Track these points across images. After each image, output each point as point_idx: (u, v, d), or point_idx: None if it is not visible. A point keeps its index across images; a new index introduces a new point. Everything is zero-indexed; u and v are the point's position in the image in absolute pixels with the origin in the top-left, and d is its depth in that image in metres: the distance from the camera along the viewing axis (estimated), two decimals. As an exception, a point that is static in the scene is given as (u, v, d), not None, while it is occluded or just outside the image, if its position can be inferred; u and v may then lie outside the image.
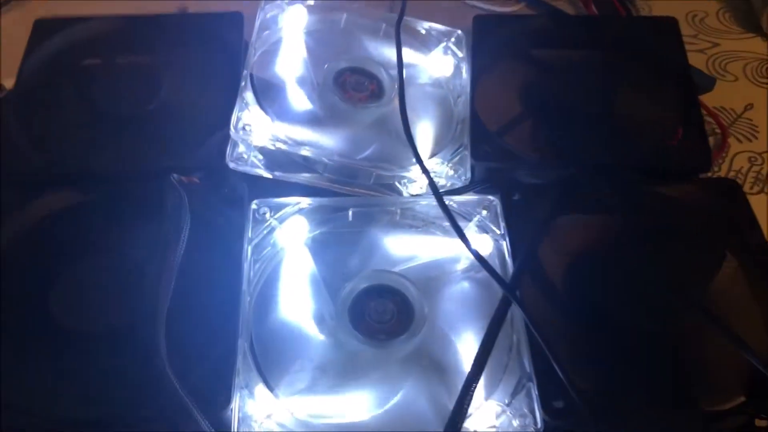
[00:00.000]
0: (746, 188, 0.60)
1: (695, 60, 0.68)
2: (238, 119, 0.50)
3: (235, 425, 0.40)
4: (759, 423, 0.43)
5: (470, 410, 0.40)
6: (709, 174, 0.58)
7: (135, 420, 0.40)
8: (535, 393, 0.42)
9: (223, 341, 0.43)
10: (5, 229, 0.47)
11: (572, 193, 0.50)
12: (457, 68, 0.59)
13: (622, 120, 0.55)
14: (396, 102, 0.53)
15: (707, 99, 0.64)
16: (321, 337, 0.45)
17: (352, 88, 0.54)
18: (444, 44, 0.60)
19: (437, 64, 0.59)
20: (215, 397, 0.40)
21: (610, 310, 0.46)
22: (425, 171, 0.48)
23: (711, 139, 0.63)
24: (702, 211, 0.50)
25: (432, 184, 0.48)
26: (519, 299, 0.43)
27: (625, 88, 0.57)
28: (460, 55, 0.60)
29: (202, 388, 0.40)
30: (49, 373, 0.42)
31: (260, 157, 0.51)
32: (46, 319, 0.43)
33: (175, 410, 0.38)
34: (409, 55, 0.59)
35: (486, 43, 0.60)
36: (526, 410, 0.41)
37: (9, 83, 0.60)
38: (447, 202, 0.48)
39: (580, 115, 0.55)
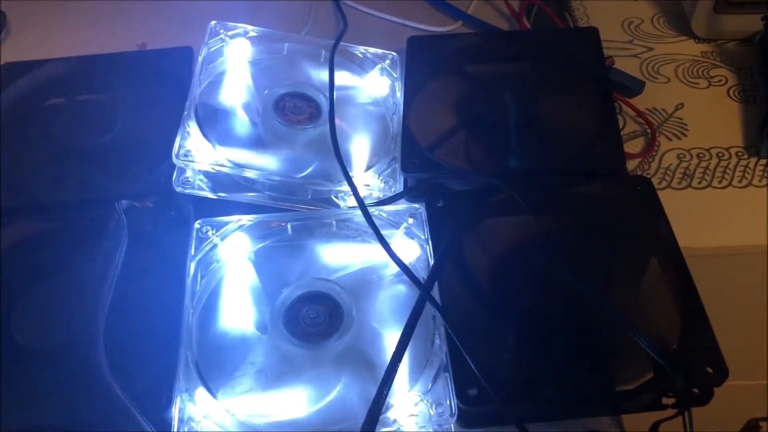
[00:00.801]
0: (674, 184, 0.63)
1: (630, 64, 0.72)
2: (180, 147, 0.54)
3: (175, 425, 0.43)
4: (666, 401, 0.47)
5: (393, 401, 0.44)
6: (639, 173, 0.63)
7: (81, 425, 0.44)
8: (450, 382, 0.45)
9: (167, 352, 0.46)
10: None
11: (489, 198, 0.54)
12: (392, 88, 0.63)
13: (544, 128, 0.59)
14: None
15: (639, 101, 0.68)
16: (262, 343, 0.48)
17: (291, 111, 0.59)
18: (380, 66, 0.64)
19: (374, 84, 0.64)
20: (157, 401, 0.44)
21: (524, 303, 0.49)
22: (351, 184, 0.52)
23: (641, 140, 0.67)
24: (615, 207, 0.54)
25: (357, 196, 0.52)
26: (431, 297, 0.46)
27: (548, 97, 0.61)
28: (395, 75, 0.64)
29: (144, 394, 0.43)
30: (11, 387, 0.46)
31: (205, 180, 0.56)
32: (10, 340, 0.47)
33: (119, 414, 0.42)
34: (347, 77, 0.63)
35: (418, 61, 0.64)
36: (442, 399, 0.45)
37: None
38: (378, 212, 0.53)
39: (504, 125, 0.59)
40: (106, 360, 0.43)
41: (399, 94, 0.63)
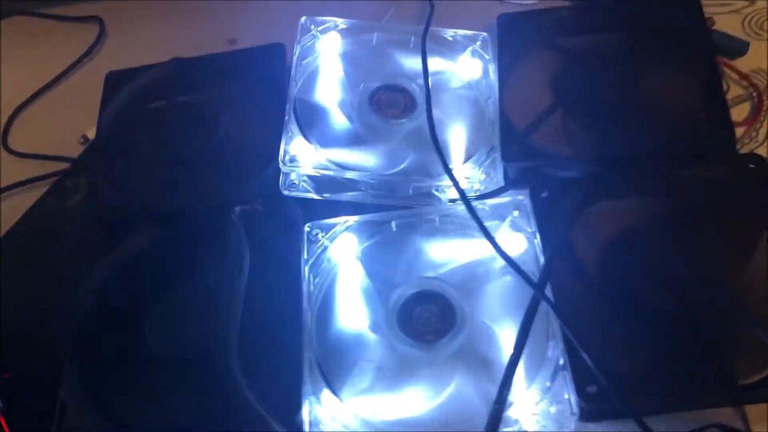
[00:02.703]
0: (788, 150, 0.60)
1: (730, 22, 0.67)
2: (285, 152, 0.55)
3: (306, 429, 0.46)
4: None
5: (511, 399, 0.45)
6: (746, 142, 0.59)
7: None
8: (569, 380, 0.46)
9: (291, 355, 0.49)
10: (100, 271, 0.56)
11: (598, 187, 0.53)
12: (485, 70, 0.62)
13: (646, 106, 0.57)
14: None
15: (743, 63, 0.64)
16: (377, 342, 0.50)
17: (386, 105, 0.59)
18: (471, 48, 0.63)
19: (466, 68, 0.63)
20: (287, 405, 0.47)
21: (641, 295, 0.49)
22: (453, 179, 0.52)
23: (747, 105, 0.63)
24: (728, 188, 0.52)
25: (459, 191, 0.52)
26: (546, 296, 0.47)
27: (648, 70, 0.58)
28: (487, 57, 0.63)
29: (274, 399, 0.46)
30: (149, 395, 0.50)
31: (309, 181, 0.57)
32: (145, 348, 0.51)
33: (253, 420, 0.45)
34: (438, 63, 0.62)
35: (510, 41, 0.62)
36: (562, 397, 0.45)
37: (92, 133, 0.69)
38: (480, 206, 0.53)
39: (604, 104, 0.57)
40: (239, 367, 0.46)
41: (492, 77, 0.62)
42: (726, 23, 0.65)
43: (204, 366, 0.49)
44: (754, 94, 0.63)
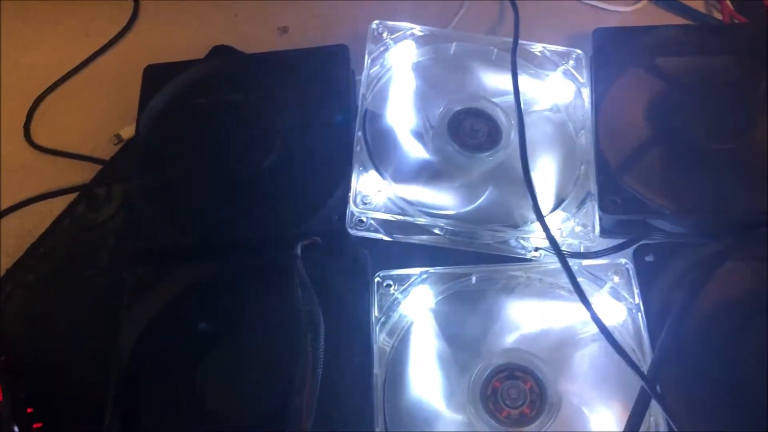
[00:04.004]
0: None
1: None
2: (357, 193, 0.49)
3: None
4: None
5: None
6: None
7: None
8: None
9: (361, 420, 0.44)
10: (143, 309, 0.50)
11: (710, 251, 0.47)
12: (578, 94, 0.55)
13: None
14: (513, 147, 0.50)
15: None
16: (453, 416, 0.45)
17: (467, 135, 0.52)
18: (563, 67, 0.56)
19: (556, 90, 0.55)
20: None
21: (758, 389, 0.43)
22: (548, 233, 0.46)
23: None
24: None
25: (556, 248, 0.46)
26: (657, 394, 0.41)
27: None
28: (581, 79, 0.55)
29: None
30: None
31: (379, 221, 0.51)
32: (193, 404, 0.46)
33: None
34: (524, 82, 0.55)
35: (609, 62, 0.55)
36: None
37: (125, 133, 0.62)
38: (574, 267, 0.47)
39: (723, 150, 0.50)
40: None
41: (586, 103, 0.54)
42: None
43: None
44: None
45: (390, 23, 0.56)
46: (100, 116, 0.64)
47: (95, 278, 0.55)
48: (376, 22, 0.56)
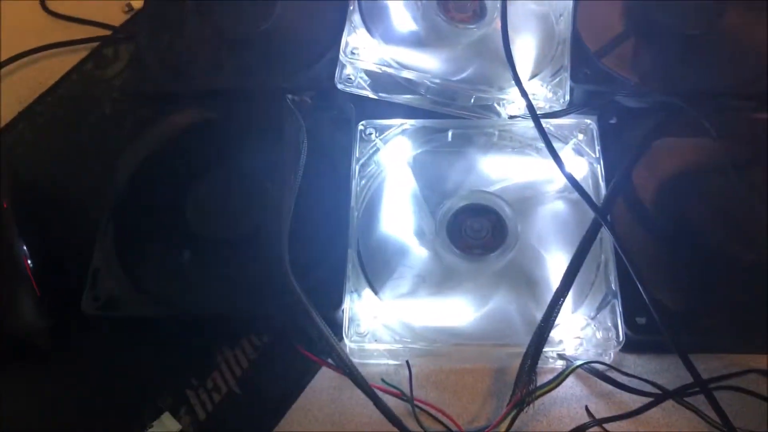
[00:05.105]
0: None
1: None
2: (347, 44, 0.53)
3: (345, 324, 0.45)
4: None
5: (557, 321, 0.44)
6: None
7: (258, 315, 0.47)
8: (619, 309, 0.45)
9: (335, 251, 0.48)
10: (143, 143, 0.53)
11: (669, 120, 0.50)
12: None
13: (726, 42, 0.54)
14: (497, 23, 0.54)
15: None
16: (421, 249, 0.49)
17: (454, 8, 0.56)
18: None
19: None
20: (328, 299, 0.46)
21: (697, 234, 0.47)
22: (524, 94, 0.50)
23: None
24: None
25: (530, 107, 0.50)
26: (609, 222, 0.45)
27: (733, 9, 0.55)
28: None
29: (316, 292, 0.45)
30: (187, 272, 0.49)
31: (366, 78, 0.55)
32: (184, 226, 0.49)
33: (294, 309, 0.44)
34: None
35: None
36: (609, 324, 0.45)
37: (137, 3, 0.65)
38: (544, 125, 0.50)
39: (683, 36, 0.54)
40: (288, 256, 0.44)
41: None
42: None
43: (250, 247, 0.48)
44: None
45: None
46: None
47: (99, 123, 0.59)
48: None
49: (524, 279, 0.48)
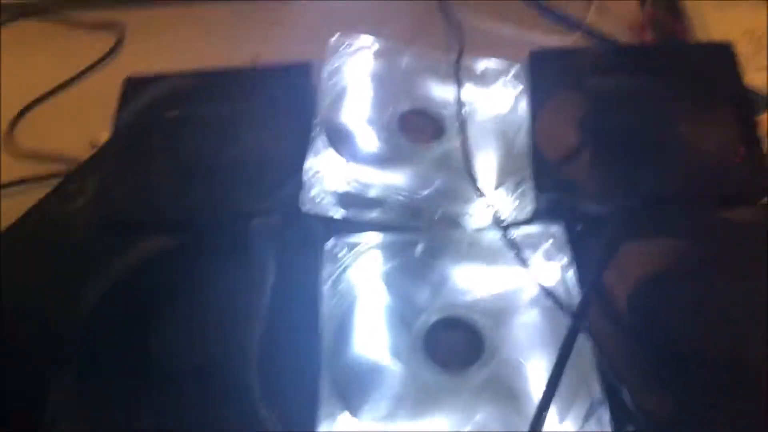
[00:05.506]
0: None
1: (756, 79, 0.68)
2: (311, 166, 0.53)
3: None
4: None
5: (545, 433, 0.42)
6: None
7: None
8: (606, 418, 0.43)
9: (305, 376, 0.46)
10: (105, 276, 0.52)
11: (636, 223, 0.51)
12: (517, 101, 0.61)
13: (681, 148, 0.56)
14: (458, 139, 0.56)
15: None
16: (397, 367, 0.47)
17: (415, 129, 0.58)
18: (503, 78, 0.63)
19: (497, 99, 0.62)
20: (302, 425, 0.43)
21: (679, 337, 0.47)
22: (489, 203, 0.51)
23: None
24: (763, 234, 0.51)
25: (495, 216, 0.50)
26: (587, 327, 0.44)
27: (684, 116, 0.58)
28: (519, 88, 0.62)
29: (288, 420, 0.43)
30: (151, 410, 0.46)
31: (332, 199, 0.55)
32: (148, 361, 0.47)
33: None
34: (468, 91, 0.61)
35: (543, 76, 0.61)
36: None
37: (103, 138, 0.66)
38: (513, 234, 0.51)
39: (639, 144, 0.56)
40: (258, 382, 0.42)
41: (524, 108, 0.61)
42: (752, 79, 0.66)
43: (216, 378, 0.45)
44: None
45: (347, 38, 0.63)
46: (81, 126, 0.68)
47: (62, 255, 0.58)
48: (336, 36, 0.63)
49: (506, 393, 0.46)
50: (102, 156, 0.64)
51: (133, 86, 0.65)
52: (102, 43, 0.76)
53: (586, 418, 0.43)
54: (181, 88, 0.65)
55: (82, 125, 0.68)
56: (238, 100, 0.63)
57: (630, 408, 0.42)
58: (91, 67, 0.74)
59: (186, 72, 0.66)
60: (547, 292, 0.47)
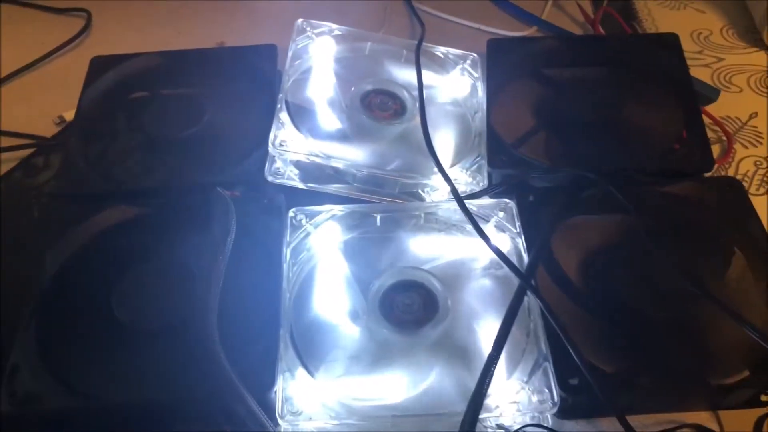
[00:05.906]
0: (752, 190, 0.64)
1: (701, 74, 0.72)
2: (275, 137, 0.55)
3: (279, 405, 0.44)
4: (765, 398, 0.46)
5: (492, 389, 0.44)
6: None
7: (190, 401, 0.45)
8: (551, 371, 0.45)
9: (266, 334, 0.47)
10: (70, 241, 0.53)
11: (581, 194, 0.54)
12: (474, 87, 0.64)
13: (629, 129, 0.59)
14: (417, 118, 0.58)
15: (713, 109, 0.69)
16: (355, 329, 0.49)
17: (377, 107, 0.60)
18: (460, 66, 0.65)
19: (455, 84, 0.65)
20: (261, 380, 0.45)
21: (620, 297, 0.49)
22: (446, 177, 0.53)
23: (717, 146, 0.67)
24: (706, 206, 0.54)
25: (453, 189, 0.53)
26: (533, 287, 0.47)
27: (632, 100, 0.61)
28: (476, 75, 0.65)
29: (249, 374, 0.44)
30: (112, 364, 0.47)
31: (295, 171, 0.57)
32: (110, 319, 0.48)
33: (226, 392, 0.42)
34: (428, 77, 0.64)
35: (499, 63, 0.65)
36: (543, 387, 0.45)
37: (69, 115, 0.67)
38: (467, 206, 0.53)
39: (588, 126, 0.60)
40: (218, 337, 0.44)
41: (480, 94, 0.64)
42: (696, 75, 0.70)
43: (178, 334, 0.47)
44: (724, 138, 0.67)
45: (314, 21, 0.65)
46: (47, 104, 0.69)
47: (27, 225, 0.58)
48: (301, 19, 0.65)
49: (458, 351, 0.48)
50: (68, 132, 0.65)
51: (99, 65, 0.66)
52: (70, 27, 0.77)
53: (532, 372, 0.46)
54: (148, 67, 0.67)
55: (50, 104, 0.70)
56: (204, 78, 0.65)
57: (574, 362, 0.44)
58: (58, 49, 0.75)
59: (153, 52, 0.67)
60: (498, 260, 0.49)
